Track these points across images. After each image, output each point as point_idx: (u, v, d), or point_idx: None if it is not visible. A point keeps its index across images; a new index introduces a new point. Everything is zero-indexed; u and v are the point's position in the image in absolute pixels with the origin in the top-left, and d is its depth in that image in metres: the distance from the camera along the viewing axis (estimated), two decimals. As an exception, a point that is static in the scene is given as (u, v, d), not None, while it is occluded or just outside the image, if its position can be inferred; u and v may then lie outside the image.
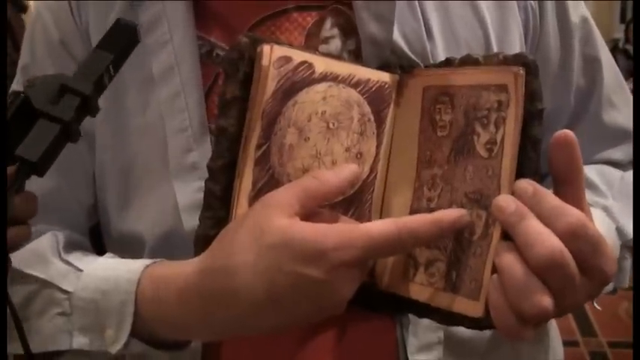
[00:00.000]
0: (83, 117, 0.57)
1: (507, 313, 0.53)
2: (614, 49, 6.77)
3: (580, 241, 0.53)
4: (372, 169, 0.66)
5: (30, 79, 0.56)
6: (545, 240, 0.52)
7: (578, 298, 0.55)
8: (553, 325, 0.86)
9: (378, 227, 0.56)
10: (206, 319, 0.60)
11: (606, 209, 0.75)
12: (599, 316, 3.48)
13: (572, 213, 0.53)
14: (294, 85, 0.63)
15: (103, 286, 0.67)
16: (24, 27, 2.67)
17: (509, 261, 0.53)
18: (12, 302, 0.57)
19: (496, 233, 0.56)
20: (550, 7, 0.77)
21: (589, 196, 0.75)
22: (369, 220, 0.63)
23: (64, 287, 0.68)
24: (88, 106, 0.56)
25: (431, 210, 0.61)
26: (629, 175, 0.81)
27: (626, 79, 0.88)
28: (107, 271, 0.69)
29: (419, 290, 0.62)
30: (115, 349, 0.66)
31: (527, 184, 0.55)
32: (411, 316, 0.71)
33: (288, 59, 0.62)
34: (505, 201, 0.55)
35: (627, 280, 0.76)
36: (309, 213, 0.58)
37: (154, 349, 0.68)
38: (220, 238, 0.60)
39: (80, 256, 0.73)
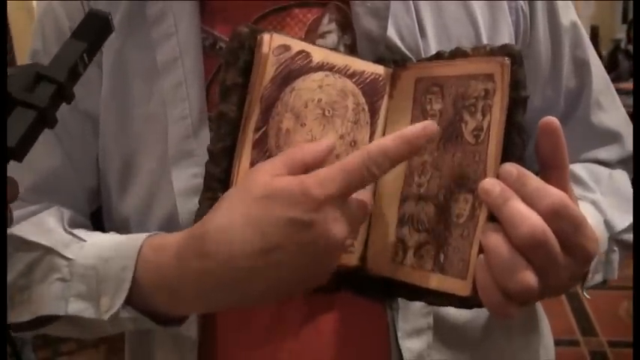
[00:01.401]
0: (59, 104, 0.58)
1: (494, 291, 0.56)
2: (616, 50, 6.76)
3: (562, 220, 0.55)
4: None
5: (8, 69, 0.58)
6: (528, 219, 0.54)
7: (561, 277, 0.57)
8: (545, 322, 0.88)
9: (350, 156, 0.59)
10: (201, 282, 0.61)
11: (594, 203, 0.77)
12: (600, 315, 3.49)
13: (554, 193, 0.56)
14: (292, 72, 0.65)
15: (105, 254, 0.69)
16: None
17: (495, 241, 0.55)
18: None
19: (482, 215, 0.58)
20: (540, 10, 0.79)
21: (578, 190, 0.77)
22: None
23: (66, 255, 0.70)
24: (63, 93, 0.58)
25: (420, 195, 0.64)
26: (617, 173, 0.83)
27: (627, 79, 0.89)
28: (110, 241, 0.71)
29: (408, 272, 0.64)
30: (107, 315, 0.67)
31: (511, 167, 0.57)
32: (401, 301, 0.72)
33: (286, 47, 0.65)
34: (490, 184, 0.57)
35: (616, 272, 0.78)
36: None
37: (148, 320, 0.68)
38: (214, 206, 0.62)
39: (83, 230, 0.76)
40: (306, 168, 0.60)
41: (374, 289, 0.69)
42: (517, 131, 0.60)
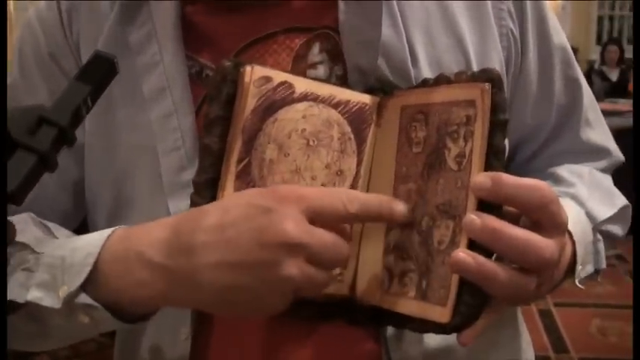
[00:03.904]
0: (60, 148, 0.57)
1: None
2: (590, 70, 6.87)
3: (550, 205, 0.58)
4: (352, 186, 0.68)
5: (10, 110, 0.57)
6: (537, 244, 0.57)
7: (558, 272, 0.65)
8: (525, 338, 0.88)
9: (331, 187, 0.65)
10: (168, 250, 0.61)
11: (574, 197, 0.78)
12: (571, 332, 3.52)
13: (533, 186, 0.58)
14: (274, 103, 0.66)
15: (74, 245, 0.67)
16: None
17: (492, 273, 0.57)
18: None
19: (463, 241, 0.58)
20: (531, 32, 0.80)
21: (557, 188, 0.79)
22: (350, 234, 0.65)
23: (38, 250, 0.68)
24: (65, 137, 0.57)
25: (405, 223, 0.64)
26: (598, 172, 0.85)
27: (601, 99, 0.92)
28: (81, 237, 0.69)
29: (393, 300, 0.64)
30: (61, 303, 0.65)
31: (482, 178, 0.58)
32: (393, 330, 0.72)
33: (268, 79, 0.65)
34: (470, 218, 0.57)
35: (604, 261, 0.80)
36: None
37: (104, 311, 0.65)
38: None
39: (57, 226, 0.75)
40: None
41: (364, 319, 0.68)
42: (495, 154, 0.59)
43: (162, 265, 0.61)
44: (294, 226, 0.57)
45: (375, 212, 0.62)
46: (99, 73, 0.60)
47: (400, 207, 0.63)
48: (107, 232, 0.66)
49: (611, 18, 8.94)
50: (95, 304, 0.64)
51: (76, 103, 0.58)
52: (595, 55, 7.26)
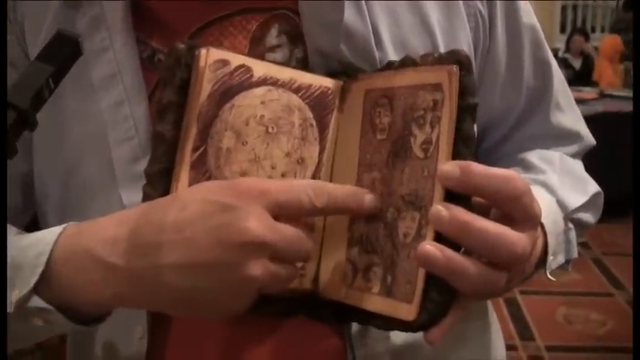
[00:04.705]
0: (20, 132, 0.54)
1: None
2: (554, 58, 6.97)
3: (525, 196, 0.55)
4: (315, 175, 0.65)
5: None
6: (506, 238, 0.54)
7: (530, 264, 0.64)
8: (496, 329, 0.86)
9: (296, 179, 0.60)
10: (112, 251, 0.58)
11: (545, 185, 0.76)
12: (537, 320, 3.56)
13: (503, 175, 0.54)
14: (231, 88, 0.62)
15: (24, 243, 0.63)
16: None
17: (460, 267, 0.54)
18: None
19: (429, 234, 0.55)
20: (500, 11, 0.78)
21: (527, 175, 0.77)
22: (313, 226, 0.62)
23: None
24: (26, 121, 0.54)
25: (370, 215, 0.61)
26: (569, 157, 0.83)
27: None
28: (31, 235, 0.65)
29: (357, 296, 0.61)
30: (13, 307, 0.61)
31: (450, 167, 0.54)
32: (357, 326, 0.70)
33: (225, 62, 0.62)
34: (437, 210, 0.54)
35: (576, 251, 0.78)
36: None
37: (58, 313, 0.61)
38: None
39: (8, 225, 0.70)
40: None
41: (327, 314, 0.66)
42: (463, 141, 0.56)
43: (116, 264, 0.57)
44: (257, 224, 0.54)
45: (342, 205, 0.59)
46: (62, 53, 0.57)
47: (368, 199, 0.60)
48: (58, 229, 0.62)
49: (574, 7, 9.07)
50: (48, 307, 0.60)
51: (38, 84, 0.55)
52: (559, 43, 7.37)
